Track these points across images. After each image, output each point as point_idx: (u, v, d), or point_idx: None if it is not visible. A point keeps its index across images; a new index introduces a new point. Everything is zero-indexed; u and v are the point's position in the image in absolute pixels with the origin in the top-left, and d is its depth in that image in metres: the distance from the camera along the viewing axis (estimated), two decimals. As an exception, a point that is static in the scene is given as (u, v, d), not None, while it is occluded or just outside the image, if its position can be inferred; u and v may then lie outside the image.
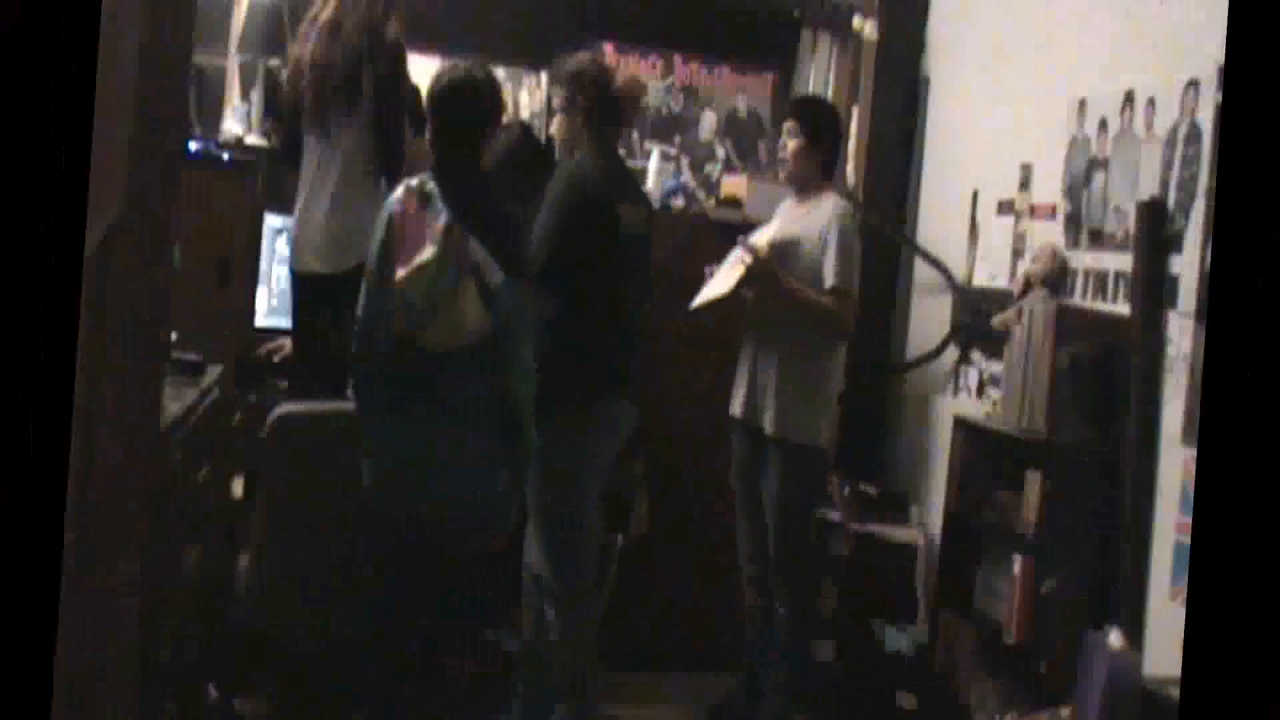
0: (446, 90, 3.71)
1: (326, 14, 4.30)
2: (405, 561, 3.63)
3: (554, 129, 4.28)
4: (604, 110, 4.16)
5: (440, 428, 3.56)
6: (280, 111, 4.76)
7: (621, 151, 5.64)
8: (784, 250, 4.66)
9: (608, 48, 5.81)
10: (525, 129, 5.14)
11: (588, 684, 4.11)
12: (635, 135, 5.79)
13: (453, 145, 3.70)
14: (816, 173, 4.78)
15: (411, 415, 3.57)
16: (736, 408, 4.79)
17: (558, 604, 4.09)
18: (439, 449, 3.56)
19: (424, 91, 3.94)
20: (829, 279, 4.54)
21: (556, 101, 4.26)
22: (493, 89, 3.76)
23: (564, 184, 4.05)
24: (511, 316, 3.55)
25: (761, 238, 4.66)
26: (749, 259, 4.54)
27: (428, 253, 3.48)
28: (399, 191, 3.66)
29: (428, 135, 3.81)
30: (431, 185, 3.59)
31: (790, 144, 4.76)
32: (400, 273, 3.50)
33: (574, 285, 3.93)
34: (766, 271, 4.56)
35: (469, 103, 3.69)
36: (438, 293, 3.47)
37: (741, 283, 4.57)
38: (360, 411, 3.71)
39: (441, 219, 3.50)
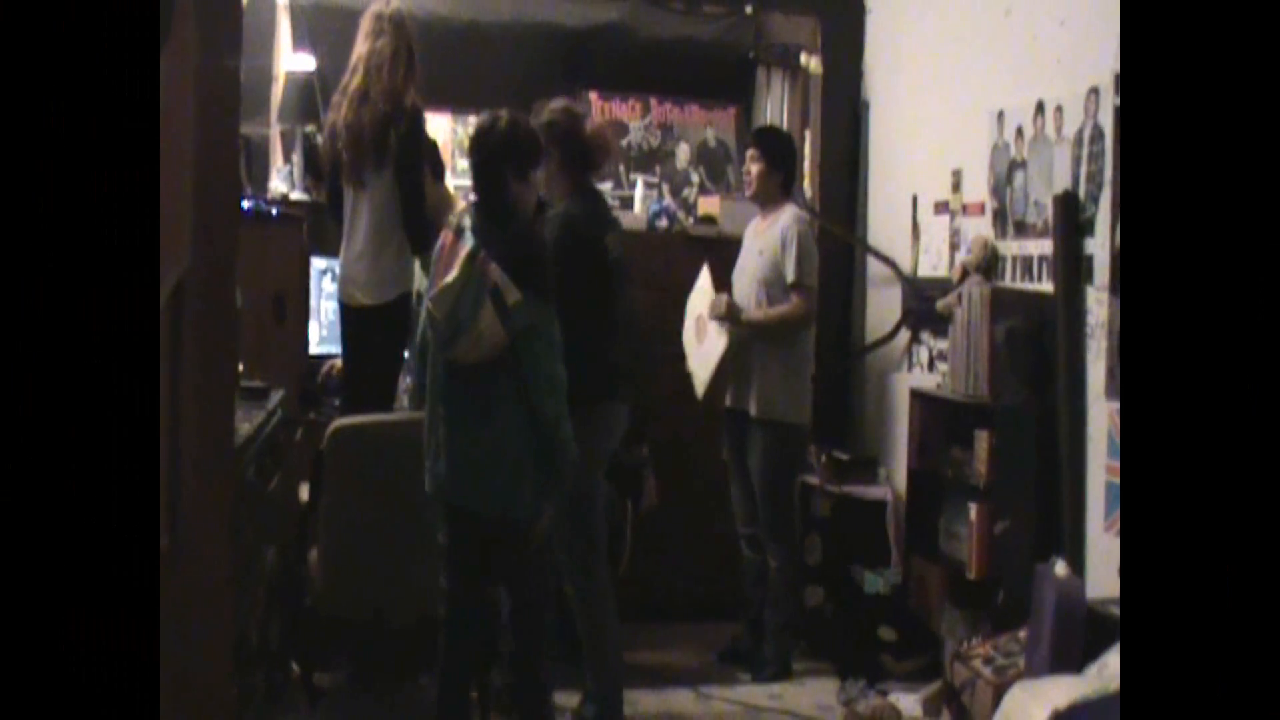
0: (475, 134, 3.63)
1: (355, 84, 4.30)
2: (459, 544, 3.58)
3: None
4: (577, 156, 4.07)
5: (474, 431, 3.48)
6: (320, 170, 4.76)
7: (609, 183, 5.71)
8: (751, 262, 4.73)
9: (593, 95, 5.81)
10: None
11: (610, 652, 4.04)
12: (622, 167, 5.79)
13: (480, 181, 3.60)
14: (777, 191, 4.82)
15: (450, 419, 3.51)
16: (726, 396, 4.81)
17: (574, 583, 4.04)
18: (474, 449, 3.49)
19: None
20: (789, 275, 4.63)
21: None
22: (513, 132, 3.59)
23: (559, 230, 3.96)
24: (527, 333, 3.42)
25: (720, 302, 4.70)
26: (725, 322, 4.66)
27: (450, 276, 3.40)
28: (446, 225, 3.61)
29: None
30: (466, 218, 3.53)
31: (753, 169, 4.81)
32: (430, 293, 3.46)
33: (576, 310, 3.80)
34: (735, 319, 4.67)
35: (490, 143, 3.57)
36: (461, 312, 3.37)
37: (730, 338, 4.66)
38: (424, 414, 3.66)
39: (468, 247, 3.43)
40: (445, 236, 3.52)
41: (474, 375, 3.45)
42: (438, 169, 4.65)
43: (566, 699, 4.20)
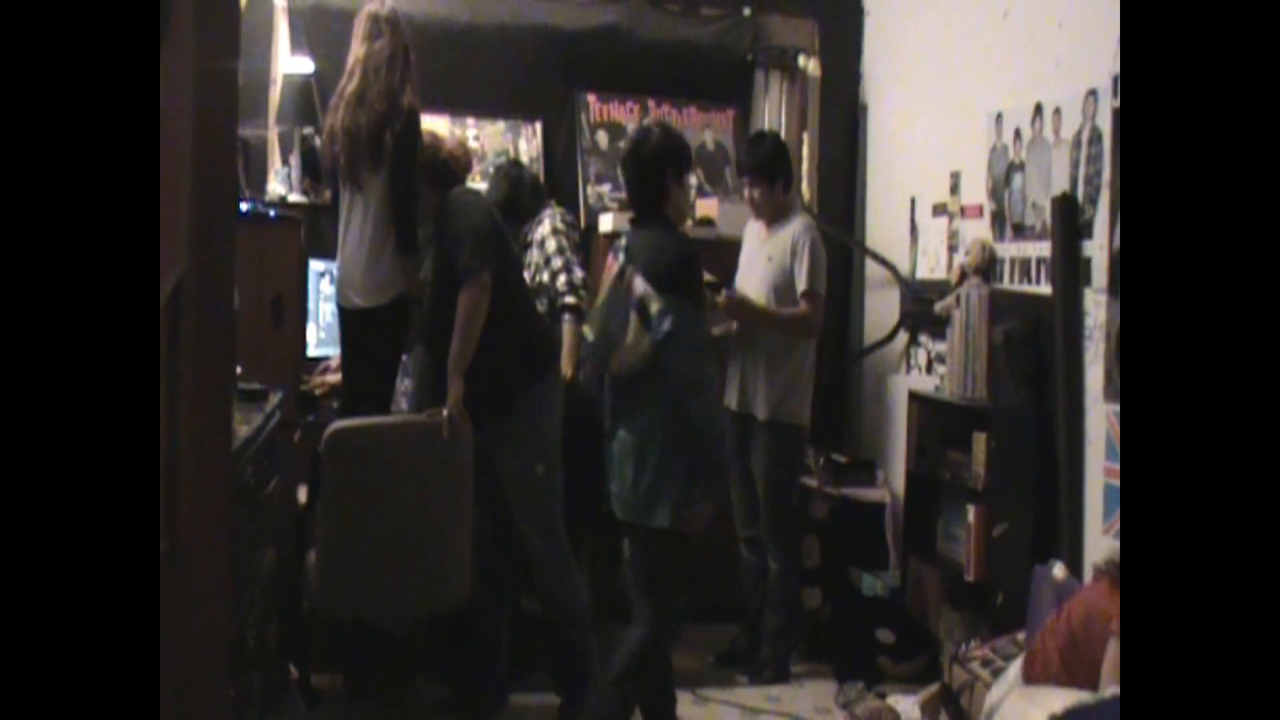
0: (631, 147, 3.71)
1: (352, 87, 4.29)
2: (633, 554, 3.74)
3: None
4: (439, 174, 4.19)
5: (627, 441, 3.58)
6: (318, 172, 4.76)
7: (606, 186, 5.71)
8: (758, 268, 4.77)
9: (591, 97, 5.81)
10: (519, 166, 5.13)
11: (581, 624, 4.09)
12: (619, 169, 5.80)
13: (640, 191, 3.67)
14: (782, 201, 4.82)
15: (616, 431, 3.62)
16: (731, 399, 4.81)
17: (541, 560, 4.11)
18: (624, 459, 3.59)
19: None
20: (801, 284, 4.63)
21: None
22: (669, 137, 3.69)
23: (469, 195, 4.15)
24: (669, 338, 3.47)
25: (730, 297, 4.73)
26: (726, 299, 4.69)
27: (599, 298, 3.60)
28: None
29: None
30: (623, 238, 3.68)
31: (756, 194, 4.80)
32: (587, 317, 3.65)
33: (500, 294, 3.95)
34: (743, 308, 4.72)
35: (649, 152, 3.64)
36: (612, 329, 3.51)
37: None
38: None
39: (618, 261, 3.59)
40: (609, 257, 3.69)
41: (629, 389, 3.58)
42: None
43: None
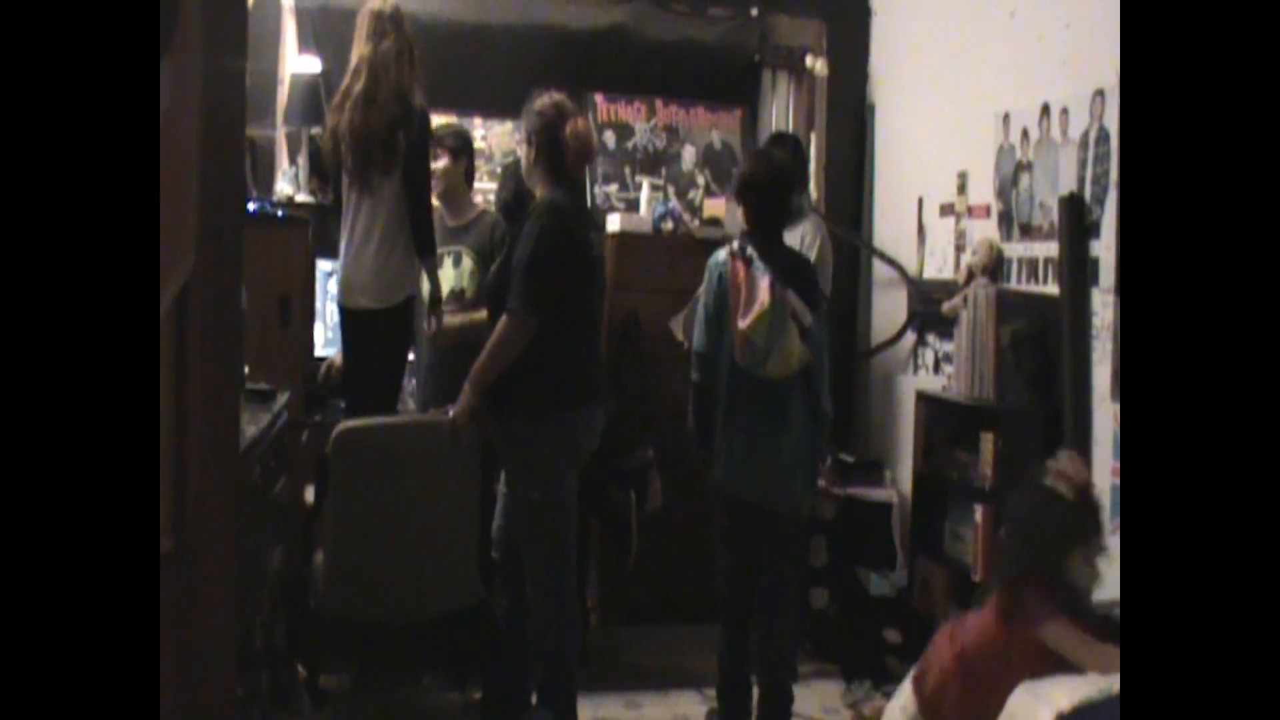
0: (761, 181, 4.04)
1: (359, 87, 4.27)
2: (741, 530, 4.08)
3: (519, 154, 4.15)
4: (553, 150, 3.91)
5: (774, 435, 3.94)
6: (326, 173, 4.76)
7: (614, 186, 5.72)
8: None
9: (598, 97, 5.81)
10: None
11: (568, 661, 3.87)
12: (627, 169, 5.81)
13: (766, 221, 4.04)
14: (796, 201, 4.81)
15: (749, 426, 3.95)
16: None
17: (537, 587, 3.86)
18: (775, 454, 3.95)
19: (739, 179, 4.18)
20: None
21: (521, 133, 4.04)
22: (791, 177, 4.20)
23: (545, 218, 3.81)
24: (820, 349, 3.97)
25: None
26: None
27: (763, 305, 3.79)
28: (723, 254, 4.01)
29: (742, 212, 4.11)
30: (751, 250, 3.90)
31: None
32: (744, 322, 3.81)
33: (559, 307, 3.77)
34: None
35: (773, 174, 4.07)
36: (773, 334, 3.81)
37: None
38: (696, 419, 4.13)
39: (767, 277, 3.83)
40: (733, 264, 3.91)
41: (775, 388, 3.93)
42: (456, 150, 4.63)
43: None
